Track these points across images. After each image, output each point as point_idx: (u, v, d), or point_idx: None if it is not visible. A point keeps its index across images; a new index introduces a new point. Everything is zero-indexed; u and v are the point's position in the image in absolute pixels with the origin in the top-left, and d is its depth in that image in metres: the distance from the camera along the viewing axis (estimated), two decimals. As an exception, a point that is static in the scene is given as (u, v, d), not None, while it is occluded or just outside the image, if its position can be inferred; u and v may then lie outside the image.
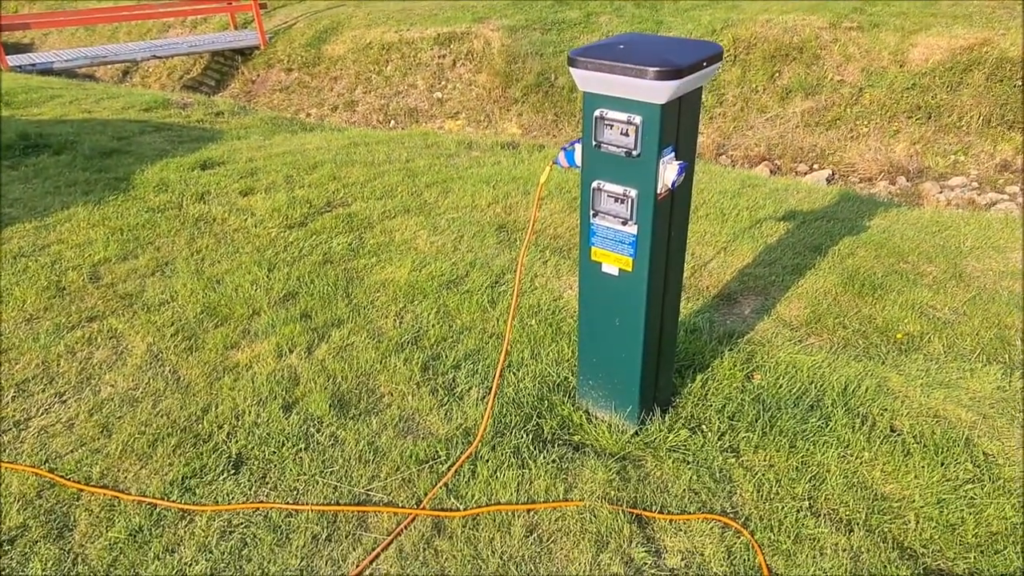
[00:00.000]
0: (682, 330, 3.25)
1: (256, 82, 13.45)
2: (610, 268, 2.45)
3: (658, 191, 2.23)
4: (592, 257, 2.48)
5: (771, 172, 8.70)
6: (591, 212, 2.39)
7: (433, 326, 3.39)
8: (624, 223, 2.33)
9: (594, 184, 2.34)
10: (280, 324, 3.38)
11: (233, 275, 3.88)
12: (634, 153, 2.19)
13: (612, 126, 2.21)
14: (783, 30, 9.86)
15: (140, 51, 13.30)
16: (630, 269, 2.40)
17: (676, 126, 2.20)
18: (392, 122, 11.64)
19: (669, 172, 2.21)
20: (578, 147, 2.38)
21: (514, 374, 3.02)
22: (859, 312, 3.49)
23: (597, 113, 2.21)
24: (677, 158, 2.24)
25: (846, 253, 4.04)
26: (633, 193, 2.26)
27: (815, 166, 8.89)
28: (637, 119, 2.13)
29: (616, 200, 2.32)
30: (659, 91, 2.04)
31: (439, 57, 11.84)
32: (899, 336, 3.27)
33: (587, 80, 2.17)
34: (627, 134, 2.18)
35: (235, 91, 13.37)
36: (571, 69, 2.19)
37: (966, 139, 8.54)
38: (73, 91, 9.45)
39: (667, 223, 2.36)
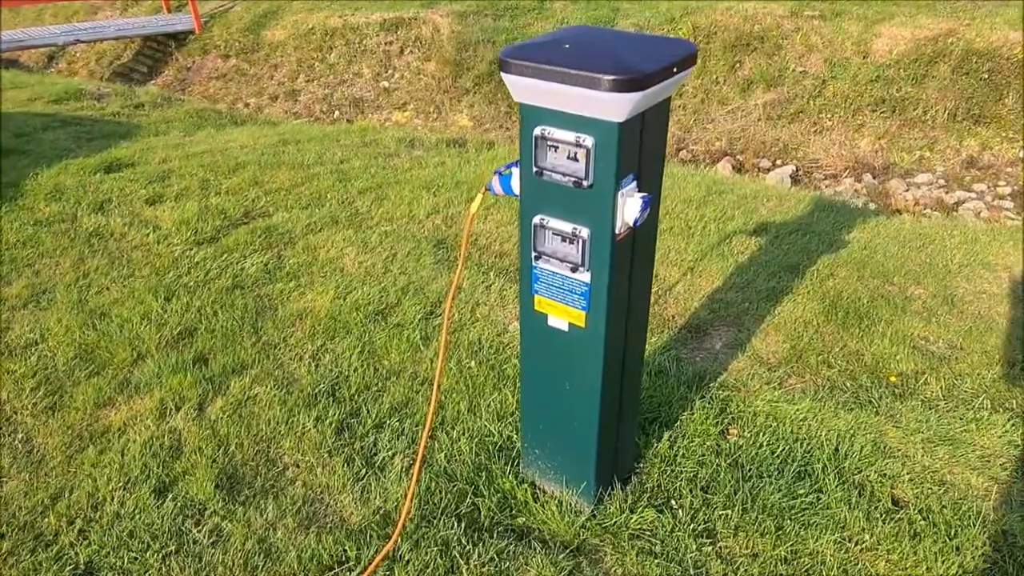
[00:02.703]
0: (646, 373, 2.78)
1: (191, 69, 12.60)
2: (558, 322, 1.96)
3: (617, 230, 1.74)
4: (536, 307, 1.99)
5: (733, 168, 8.31)
6: (532, 254, 1.90)
7: (355, 370, 2.87)
8: (574, 269, 1.83)
9: (536, 219, 1.84)
10: (168, 373, 2.81)
11: (121, 307, 3.29)
12: (585, 183, 1.69)
13: (557, 148, 1.71)
14: (743, 18, 9.46)
15: (62, 35, 12.32)
16: (583, 325, 1.91)
17: (638, 149, 1.70)
18: (336, 112, 10.96)
19: (630, 207, 1.72)
20: (515, 171, 1.88)
21: (447, 434, 2.52)
22: (845, 347, 3.06)
23: (538, 131, 1.71)
24: (640, 189, 1.75)
25: (826, 274, 3.61)
26: (585, 232, 1.77)
27: (778, 161, 8.52)
28: (588, 141, 1.64)
29: (564, 240, 1.82)
30: (617, 105, 1.55)
31: (386, 44, 11.19)
32: (892, 378, 2.85)
33: (523, 89, 1.66)
34: (576, 159, 1.69)
35: (168, 79, 12.51)
36: (503, 75, 1.67)
37: (931, 134, 8.26)
38: (-24, 80, 8.61)
39: (627, 268, 1.88)
